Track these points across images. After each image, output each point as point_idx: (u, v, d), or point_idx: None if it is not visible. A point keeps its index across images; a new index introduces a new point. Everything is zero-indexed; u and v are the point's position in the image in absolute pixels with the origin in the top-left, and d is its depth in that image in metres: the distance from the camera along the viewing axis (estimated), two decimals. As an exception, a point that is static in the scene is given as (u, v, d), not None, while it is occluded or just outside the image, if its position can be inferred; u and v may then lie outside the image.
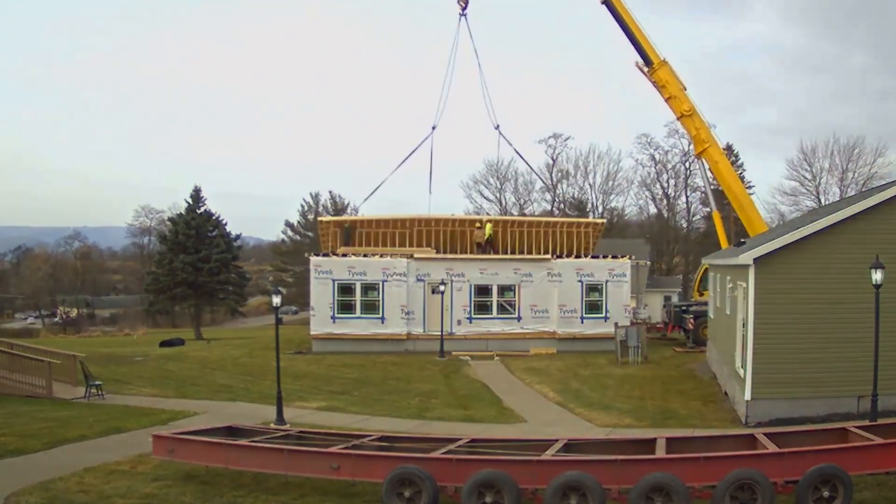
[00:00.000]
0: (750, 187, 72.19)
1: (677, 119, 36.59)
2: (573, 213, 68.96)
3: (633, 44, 34.77)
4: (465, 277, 32.02)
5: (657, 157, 73.88)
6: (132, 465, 13.19)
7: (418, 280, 31.86)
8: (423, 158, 46.08)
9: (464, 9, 36.99)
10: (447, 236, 35.25)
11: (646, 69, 34.84)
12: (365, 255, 31.98)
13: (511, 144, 47.10)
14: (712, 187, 39.64)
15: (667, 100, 35.04)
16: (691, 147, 37.21)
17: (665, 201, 74.78)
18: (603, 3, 34.32)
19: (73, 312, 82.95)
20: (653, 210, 76.28)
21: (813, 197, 63.34)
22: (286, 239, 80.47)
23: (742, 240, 27.25)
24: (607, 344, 29.62)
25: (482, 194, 75.48)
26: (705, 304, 30.21)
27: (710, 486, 9.80)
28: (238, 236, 54.62)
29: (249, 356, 30.88)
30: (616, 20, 34.66)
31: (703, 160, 36.53)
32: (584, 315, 32.07)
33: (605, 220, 45.51)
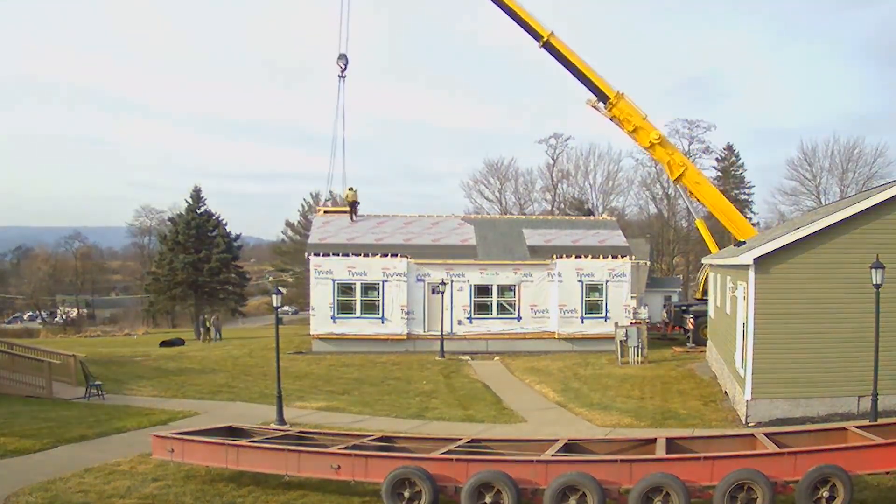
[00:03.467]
0: (750, 187, 72.49)
1: (646, 150, 35.20)
2: (573, 213, 68.88)
3: (582, 82, 33.03)
4: (465, 277, 32.03)
5: (657, 156, 73.81)
6: (132, 465, 13.21)
7: (418, 280, 31.87)
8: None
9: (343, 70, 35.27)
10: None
11: (601, 105, 33.19)
12: (365, 255, 31.98)
13: None
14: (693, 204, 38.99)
15: (631, 133, 33.60)
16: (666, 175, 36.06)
17: (665, 201, 74.67)
18: (542, 46, 32.73)
19: (74, 312, 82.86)
20: (653, 210, 76.26)
21: (813, 197, 63.26)
22: (286, 239, 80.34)
23: (742, 240, 27.23)
24: (607, 344, 29.63)
25: (482, 194, 75.50)
26: (705, 303, 30.21)
27: (709, 486, 9.81)
28: (238, 236, 54.67)
29: (249, 356, 30.88)
30: (559, 61, 33.05)
31: (683, 185, 35.52)
32: (584, 315, 32.08)
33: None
